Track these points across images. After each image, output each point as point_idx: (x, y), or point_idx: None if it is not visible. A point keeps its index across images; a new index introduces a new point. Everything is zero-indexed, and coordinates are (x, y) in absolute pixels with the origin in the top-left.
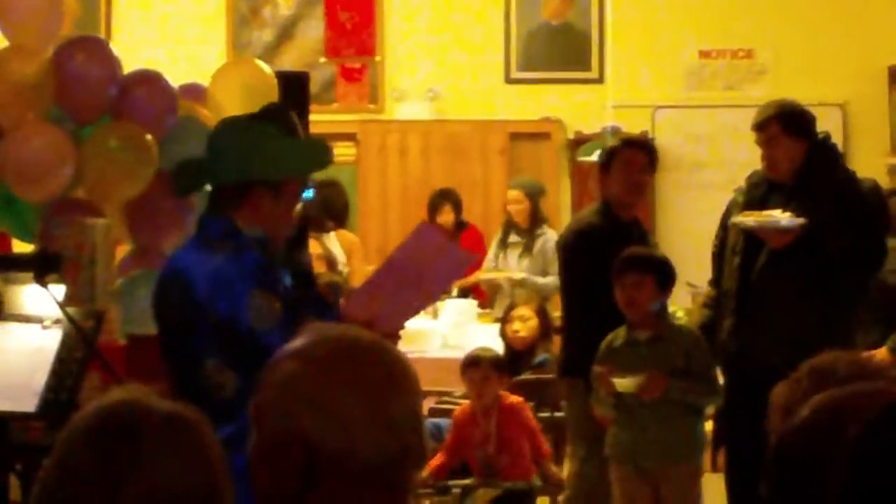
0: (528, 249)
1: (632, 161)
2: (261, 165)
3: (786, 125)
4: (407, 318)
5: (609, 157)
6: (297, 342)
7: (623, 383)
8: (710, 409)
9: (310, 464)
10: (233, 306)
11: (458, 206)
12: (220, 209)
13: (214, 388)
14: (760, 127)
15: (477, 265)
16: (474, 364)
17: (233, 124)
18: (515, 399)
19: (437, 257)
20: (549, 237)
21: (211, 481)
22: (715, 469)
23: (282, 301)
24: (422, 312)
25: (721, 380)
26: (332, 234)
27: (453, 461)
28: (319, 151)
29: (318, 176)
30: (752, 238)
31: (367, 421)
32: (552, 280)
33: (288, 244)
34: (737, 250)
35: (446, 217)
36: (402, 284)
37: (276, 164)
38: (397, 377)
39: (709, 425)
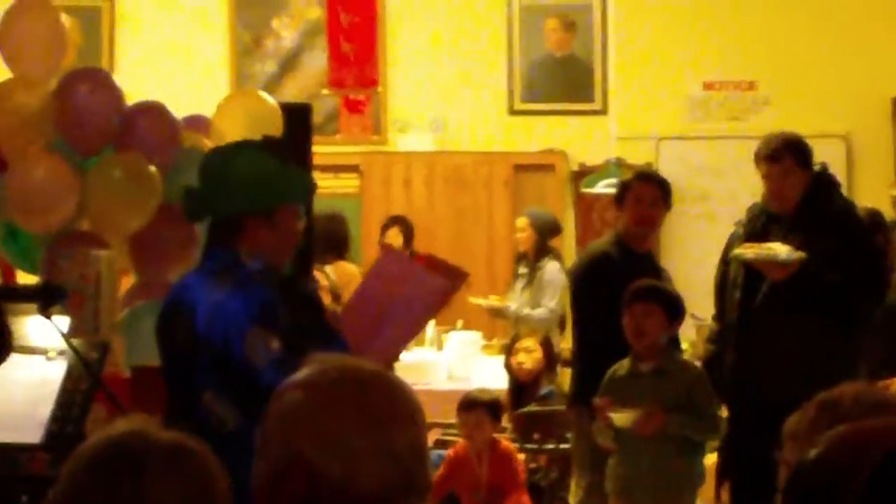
0: (530, 281)
1: (644, 195)
2: (251, 195)
3: (797, 157)
4: (396, 348)
5: (623, 190)
6: (301, 372)
7: (620, 418)
8: (714, 442)
9: (312, 492)
10: (231, 342)
11: (407, 232)
12: (221, 240)
13: (215, 421)
14: (773, 159)
15: None
16: (468, 408)
17: (221, 155)
18: (508, 446)
19: (407, 282)
20: (548, 270)
21: None
22: (719, 502)
23: (282, 338)
24: (427, 344)
25: (724, 414)
26: (330, 266)
27: (437, 497)
28: (304, 178)
29: (320, 207)
30: (752, 271)
31: (369, 450)
32: (537, 312)
33: (293, 272)
34: (737, 283)
35: (394, 240)
36: (378, 313)
37: (265, 192)
38: (401, 408)
39: (712, 458)
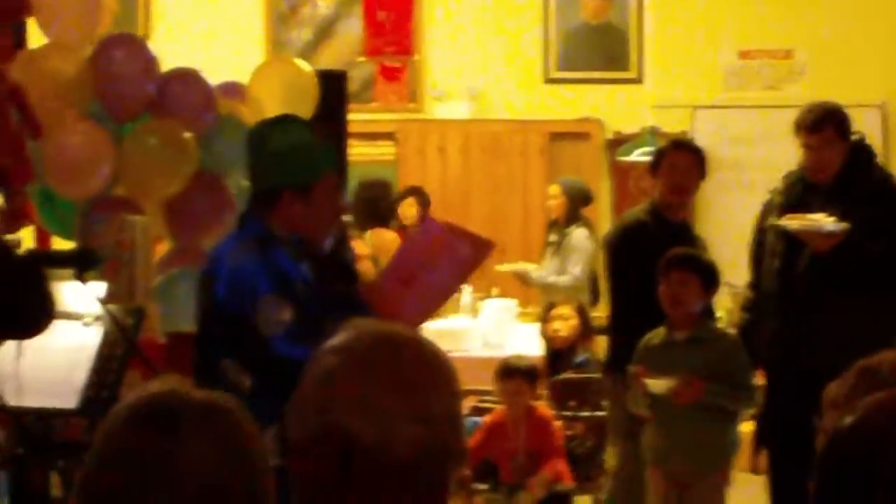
0: (559, 248)
1: (679, 163)
2: (287, 169)
3: (838, 127)
4: (425, 314)
5: (658, 158)
6: (336, 338)
7: (657, 385)
8: (749, 410)
9: (347, 457)
10: (244, 308)
11: (424, 203)
12: (257, 212)
13: (231, 387)
14: (815, 129)
15: None
16: (507, 376)
17: (262, 129)
18: (545, 412)
19: (441, 249)
20: (575, 236)
21: (248, 470)
22: (756, 471)
23: (300, 309)
24: (462, 311)
25: (759, 383)
26: (369, 233)
27: (474, 463)
28: (330, 151)
29: (357, 175)
30: (792, 240)
31: (404, 416)
32: (562, 279)
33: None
34: (776, 252)
35: (408, 210)
36: (411, 279)
37: (302, 167)
38: (436, 374)
39: (748, 426)
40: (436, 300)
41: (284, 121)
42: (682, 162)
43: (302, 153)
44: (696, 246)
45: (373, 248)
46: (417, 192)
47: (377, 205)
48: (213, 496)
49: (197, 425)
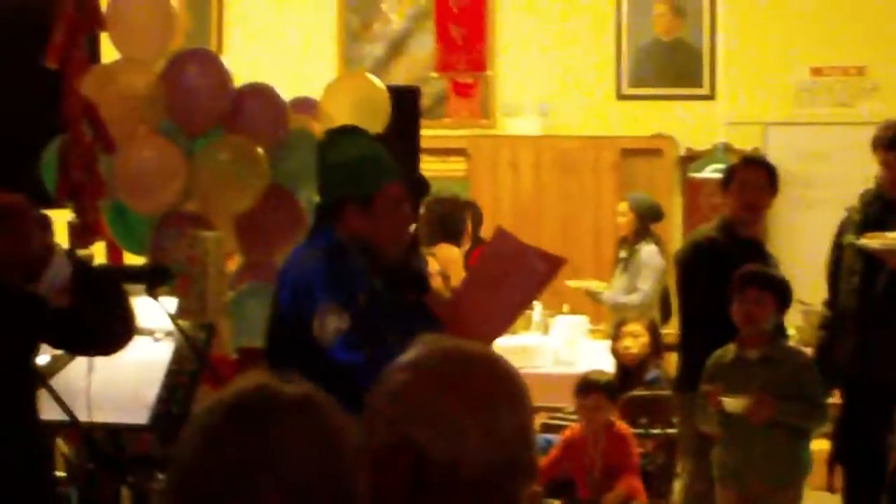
0: (628, 264)
1: (751, 180)
2: (346, 181)
3: None
4: (501, 329)
5: (729, 175)
6: (408, 354)
7: (732, 403)
8: (822, 428)
9: (419, 473)
10: (305, 315)
11: (476, 218)
12: (323, 223)
13: None
14: (892, 146)
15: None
16: (586, 391)
17: (326, 141)
18: (623, 428)
19: (516, 264)
20: (644, 253)
21: (341, 464)
22: (831, 490)
23: (356, 317)
24: (533, 328)
25: (833, 401)
26: (438, 248)
27: (550, 479)
28: (392, 163)
29: (437, 190)
30: (871, 259)
31: (475, 433)
32: (631, 298)
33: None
34: (855, 270)
35: None
36: (488, 294)
37: (360, 178)
38: (508, 390)
39: (822, 444)
40: (511, 314)
41: (346, 132)
42: (754, 179)
43: (362, 165)
44: (768, 263)
45: (441, 263)
46: (470, 207)
47: (447, 220)
48: (308, 490)
49: (291, 419)
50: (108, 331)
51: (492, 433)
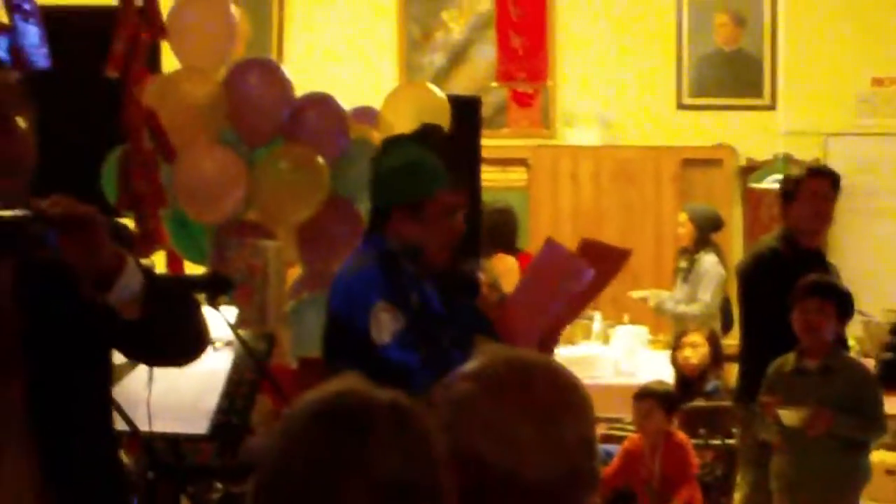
0: (688, 274)
1: (819, 190)
2: (395, 188)
3: None
4: (555, 337)
5: (794, 185)
6: (470, 363)
7: (789, 416)
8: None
9: (479, 483)
10: (356, 317)
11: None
12: (374, 229)
13: None
14: None
15: None
16: (641, 397)
17: (380, 147)
18: (682, 438)
19: (567, 272)
20: (705, 263)
21: (433, 469)
22: None
23: (409, 317)
24: (593, 338)
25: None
26: (493, 258)
27: (612, 489)
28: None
29: (489, 200)
30: None
31: (537, 443)
32: (692, 308)
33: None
34: None
35: None
36: (538, 303)
37: (408, 185)
38: (570, 401)
39: (882, 455)
40: (564, 321)
41: (399, 140)
42: (821, 189)
43: (411, 171)
44: (830, 274)
45: (498, 273)
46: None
47: (500, 231)
48: (401, 496)
49: (387, 425)
50: (179, 341)
51: (553, 444)
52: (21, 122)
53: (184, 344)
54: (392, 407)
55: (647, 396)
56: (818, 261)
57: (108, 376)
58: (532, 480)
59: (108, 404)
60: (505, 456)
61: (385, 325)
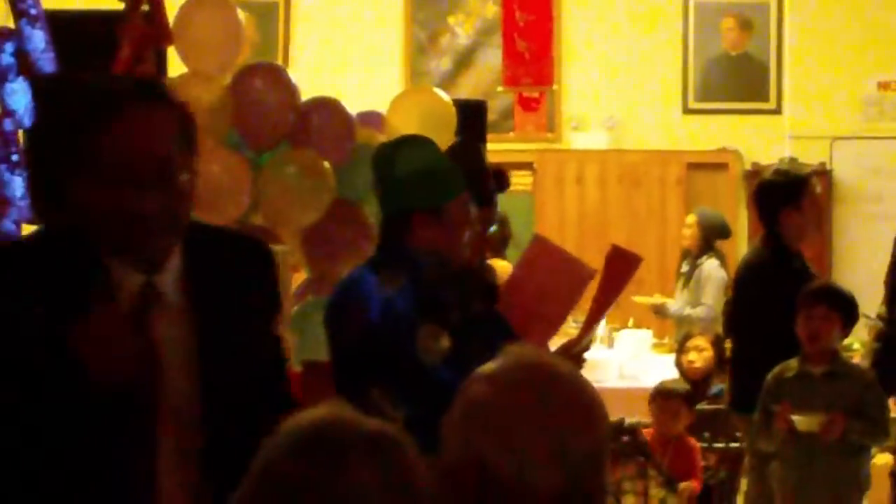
0: (690, 279)
1: (818, 194)
2: (417, 193)
3: None
4: (549, 335)
5: (799, 189)
6: (491, 365)
7: (804, 421)
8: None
9: (481, 487)
10: (402, 339)
11: (505, 234)
12: (393, 236)
13: (380, 416)
14: None
15: None
16: (667, 396)
17: (388, 151)
18: (692, 441)
19: (558, 270)
20: (707, 267)
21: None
22: None
23: (452, 334)
24: (598, 342)
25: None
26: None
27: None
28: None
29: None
30: None
31: (543, 453)
32: (696, 311)
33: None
34: None
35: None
36: (529, 302)
37: (431, 189)
38: (584, 414)
39: (884, 458)
40: (554, 321)
41: (411, 142)
42: (818, 193)
43: (434, 174)
44: (812, 274)
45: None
46: (501, 223)
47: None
48: None
49: (365, 456)
50: None
51: (560, 455)
52: (184, 175)
53: None
54: (373, 437)
55: (674, 396)
56: (804, 266)
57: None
58: (534, 490)
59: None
60: (510, 463)
61: (433, 346)
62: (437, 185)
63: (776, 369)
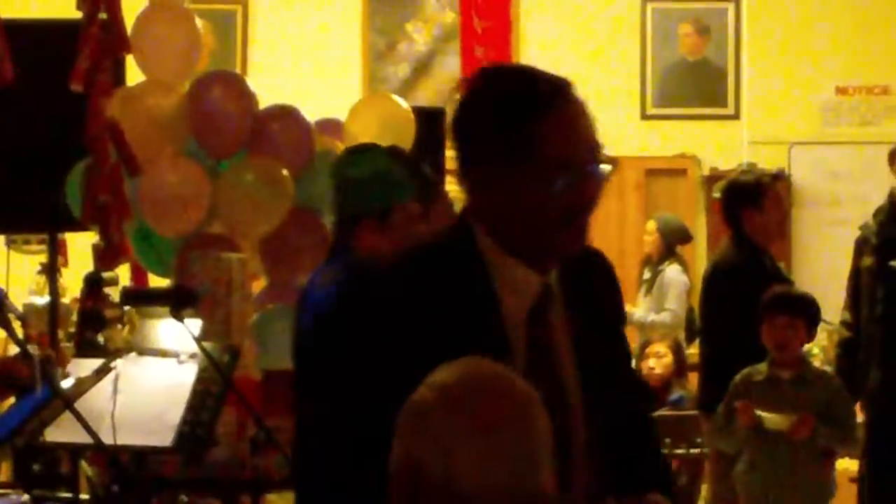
0: (652, 285)
1: (783, 196)
2: (360, 197)
3: None
4: None
5: (761, 191)
6: (440, 372)
7: (773, 419)
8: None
9: (414, 489)
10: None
11: None
12: (341, 241)
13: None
14: None
15: None
16: None
17: (340, 158)
18: None
19: None
20: (669, 273)
21: None
22: None
23: None
24: None
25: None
26: None
27: None
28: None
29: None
30: (893, 282)
31: (473, 451)
32: (661, 317)
33: None
34: (878, 297)
35: None
36: None
37: (374, 194)
38: (519, 413)
39: (846, 463)
40: None
41: (362, 150)
42: (783, 193)
43: (376, 180)
44: (783, 276)
45: None
46: None
47: None
48: None
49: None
50: None
51: (492, 454)
52: None
53: None
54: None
55: None
56: (771, 265)
57: None
58: (467, 490)
59: None
60: (438, 461)
61: None
62: (381, 192)
63: (744, 371)
